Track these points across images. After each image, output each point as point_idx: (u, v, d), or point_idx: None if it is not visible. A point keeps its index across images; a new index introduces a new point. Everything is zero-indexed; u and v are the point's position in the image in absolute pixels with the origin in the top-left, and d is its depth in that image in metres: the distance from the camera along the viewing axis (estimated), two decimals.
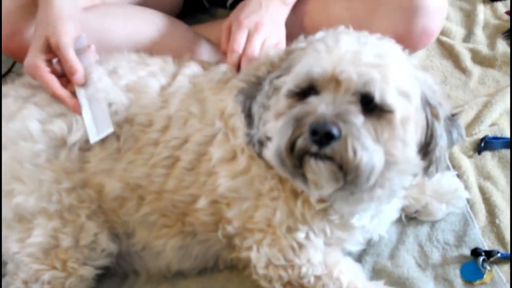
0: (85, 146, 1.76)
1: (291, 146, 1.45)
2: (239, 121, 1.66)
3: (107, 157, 1.76)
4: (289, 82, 1.51)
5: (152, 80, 1.81)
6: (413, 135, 1.51)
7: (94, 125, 1.75)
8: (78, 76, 1.79)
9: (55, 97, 1.82)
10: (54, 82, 1.79)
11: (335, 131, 1.39)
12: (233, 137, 1.68)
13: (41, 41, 1.80)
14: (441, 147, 1.55)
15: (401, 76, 1.48)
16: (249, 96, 1.61)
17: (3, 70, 2.47)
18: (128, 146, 1.76)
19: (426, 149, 1.55)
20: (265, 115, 1.56)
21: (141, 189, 1.76)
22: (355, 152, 1.41)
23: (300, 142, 1.44)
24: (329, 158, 1.43)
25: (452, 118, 1.60)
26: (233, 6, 2.44)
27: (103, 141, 1.75)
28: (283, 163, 1.49)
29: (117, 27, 2.08)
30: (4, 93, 1.86)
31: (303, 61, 1.52)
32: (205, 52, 2.21)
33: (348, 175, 1.44)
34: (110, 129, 1.74)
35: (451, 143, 1.60)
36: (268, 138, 1.55)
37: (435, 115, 1.53)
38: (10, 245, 1.76)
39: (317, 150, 1.42)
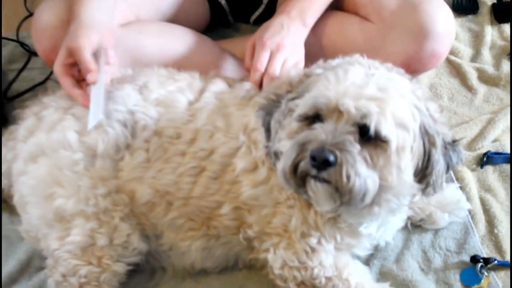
0: (116, 156, 1.80)
1: (295, 168, 1.54)
2: (260, 135, 1.72)
3: (137, 166, 1.80)
4: (300, 107, 1.59)
5: (180, 96, 1.85)
6: (409, 162, 1.57)
7: (93, 115, 1.80)
8: (91, 75, 1.83)
9: (70, 97, 1.86)
10: (67, 83, 1.87)
11: (331, 158, 1.48)
12: (255, 149, 1.73)
13: (63, 49, 1.87)
14: (437, 171, 1.61)
15: (400, 108, 1.55)
16: (268, 112, 1.68)
17: (42, 78, 2.54)
18: (157, 156, 1.80)
19: (423, 173, 1.61)
20: (279, 132, 1.63)
21: (169, 195, 1.80)
22: (348, 178, 1.49)
23: (302, 165, 1.53)
24: (326, 181, 1.52)
25: (453, 144, 1.65)
26: (256, 22, 2.57)
27: (132, 152, 1.79)
28: (288, 182, 1.58)
29: (150, 43, 2.13)
30: (46, 104, 1.91)
31: (314, 90, 1.59)
32: (230, 67, 2.26)
33: (343, 197, 1.53)
34: (100, 115, 1.78)
35: (451, 167, 1.65)
36: (281, 153, 1.62)
37: (432, 143, 1.59)
38: (50, 242, 1.81)
39: (316, 174, 1.51)
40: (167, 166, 1.79)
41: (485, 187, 2.14)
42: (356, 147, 1.50)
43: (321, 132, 1.51)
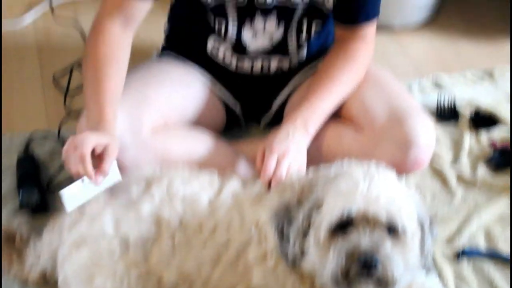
0: (145, 246, 1.95)
1: (346, 272, 1.71)
2: (269, 230, 1.85)
3: (164, 253, 1.94)
4: (327, 217, 1.75)
5: (203, 194, 1.99)
6: (418, 244, 1.77)
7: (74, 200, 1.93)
8: (102, 178, 1.96)
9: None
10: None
11: (378, 261, 1.68)
12: (264, 241, 1.86)
13: (92, 139, 1.97)
14: (428, 248, 1.81)
15: (407, 205, 1.75)
16: (281, 220, 1.82)
17: None
18: (181, 245, 1.93)
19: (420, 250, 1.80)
20: (303, 241, 1.80)
21: (191, 278, 1.91)
22: (392, 273, 1.69)
23: (353, 269, 1.70)
24: (373, 279, 1.71)
25: (431, 223, 1.84)
26: (265, 126, 2.73)
27: (159, 242, 1.94)
28: (338, 283, 1.73)
29: (176, 146, 2.28)
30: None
31: (333, 199, 1.77)
32: (242, 167, 2.38)
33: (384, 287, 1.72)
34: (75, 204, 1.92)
35: (433, 242, 1.85)
36: (306, 254, 1.79)
37: (422, 227, 1.80)
38: None
39: (367, 275, 1.70)
40: (190, 255, 1.91)
41: (460, 277, 2.24)
42: (389, 245, 1.71)
43: (362, 240, 1.71)
